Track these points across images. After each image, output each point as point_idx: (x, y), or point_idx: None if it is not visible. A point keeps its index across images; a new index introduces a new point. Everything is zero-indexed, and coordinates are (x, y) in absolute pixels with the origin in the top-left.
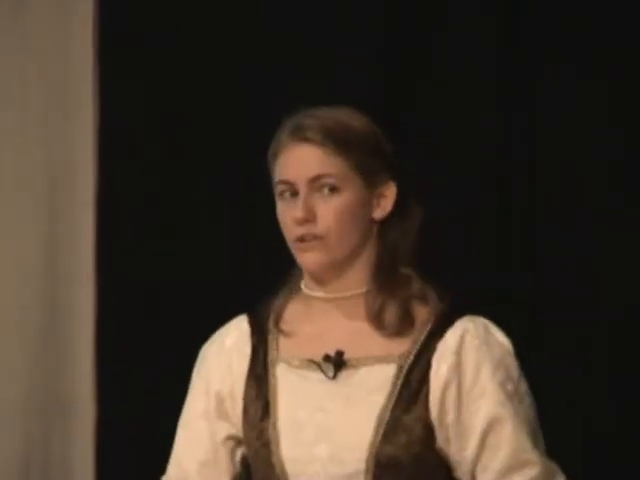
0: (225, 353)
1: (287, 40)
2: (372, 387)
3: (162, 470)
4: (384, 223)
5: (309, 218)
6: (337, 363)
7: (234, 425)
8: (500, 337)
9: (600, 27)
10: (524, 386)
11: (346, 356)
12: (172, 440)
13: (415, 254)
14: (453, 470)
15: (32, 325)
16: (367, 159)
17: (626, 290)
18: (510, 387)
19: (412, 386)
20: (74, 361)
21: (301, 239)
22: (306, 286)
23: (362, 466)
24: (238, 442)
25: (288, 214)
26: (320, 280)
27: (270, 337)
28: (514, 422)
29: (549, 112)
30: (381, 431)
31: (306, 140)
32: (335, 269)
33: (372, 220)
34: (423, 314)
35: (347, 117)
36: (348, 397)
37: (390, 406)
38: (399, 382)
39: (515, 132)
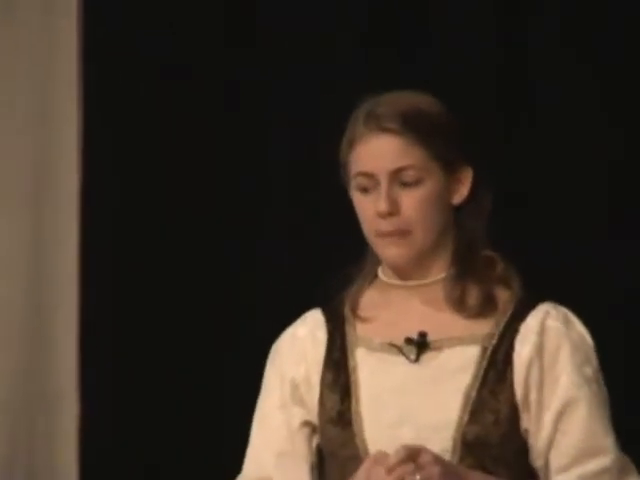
0: (299, 342)
1: (278, 25)
2: (456, 367)
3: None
4: (459, 208)
5: (393, 211)
6: (420, 344)
7: (309, 411)
8: (580, 326)
9: (600, 27)
10: (601, 377)
11: (428, 338)
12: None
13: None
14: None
15: (16, 325)
16: (445, 146)
17: (626, 289)
18: (588, 371)
19: (497, 367)
20: (58, 360)
21: (384, 234)
22: (384, 274)
23: (449, 444)
24: (313, 430)
25: (369, 207)
26: (402, 271)
27: (347, 324)
28: (590, 406)
29: (549, 112)
30: (468, 410)
31: (384, 130)
32: (418, 260)
33: (450, 206)
34: (505, 296)
35: (420, 101)
36: (431, 378)
37: (476, 385)
38: (484, 363)
39: (515, 132)
